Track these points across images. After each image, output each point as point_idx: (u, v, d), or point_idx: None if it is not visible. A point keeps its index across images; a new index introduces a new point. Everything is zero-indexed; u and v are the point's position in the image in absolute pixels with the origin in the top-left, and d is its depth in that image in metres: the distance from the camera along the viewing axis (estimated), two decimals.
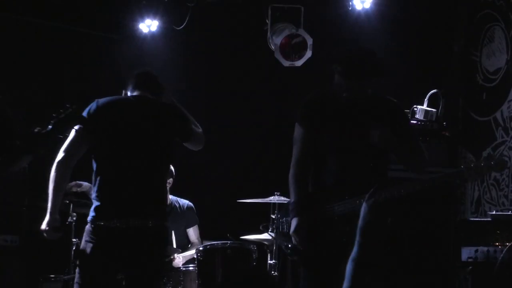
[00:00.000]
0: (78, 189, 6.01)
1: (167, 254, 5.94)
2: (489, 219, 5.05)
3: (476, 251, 5.59)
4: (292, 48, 7.22)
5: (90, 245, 4.47)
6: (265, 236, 6.48)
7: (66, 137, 3.89)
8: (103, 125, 4.52)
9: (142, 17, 8.13)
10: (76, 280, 4.53)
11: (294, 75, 7.60)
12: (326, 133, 4.38)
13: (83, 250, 4.50)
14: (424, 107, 6.06)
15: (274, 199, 6.50)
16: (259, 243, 6.48)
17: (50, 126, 3.80)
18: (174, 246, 6.65)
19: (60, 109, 4.20)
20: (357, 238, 3.84)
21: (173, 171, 6.77)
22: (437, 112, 6.07)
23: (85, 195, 5.86)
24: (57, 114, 3.94)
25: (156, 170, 4.60)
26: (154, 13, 8.04)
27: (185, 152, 4.93)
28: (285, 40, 7.19)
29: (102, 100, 4.59)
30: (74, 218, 6.51)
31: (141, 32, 8.23)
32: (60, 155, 4.51)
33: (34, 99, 7.54)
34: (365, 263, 3.95)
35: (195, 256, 6.26)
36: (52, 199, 4.51)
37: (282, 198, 6.43)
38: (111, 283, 4.55)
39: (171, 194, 6.99)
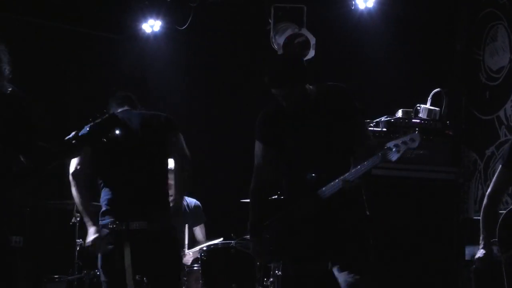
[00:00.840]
0: None
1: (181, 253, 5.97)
2: None
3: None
4: (295, 48, 7.21)
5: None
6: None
7: (103, 141, 3.99)
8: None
9: (144, 17, 8.13)
10: (101, 279, 4.81)
11: None
12: (285, 143, 4.39)
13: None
14: (428, 106, 6.06)
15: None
16: None
17: (87, 129, 3.85)
18: (186, 243, 6.65)
19: (96, 114, 4.32)
20: None
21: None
22: (440, 111, 6.07)
23: None
24: (93, 119, 4.01)
25: (153, 172, 4.81)
26: (156, 13, 8.05)
27: (189, 151, 4.97)
28: (288, 39, 7.18)
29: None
30: (78, 219, 6.52)
31: (144, 32, 8.24)
32: (73, 167, 4.73)
33: (36, 99, 7.53)
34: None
35: (199, 256, 6.26)
36: (85, 212, 4.75)
37: None
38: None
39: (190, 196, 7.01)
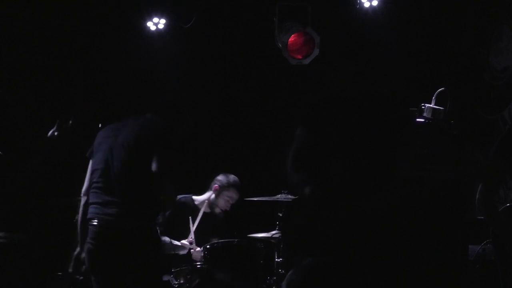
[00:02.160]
0: None
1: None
2: None
3: (484, 249, 5.60)
4: (299, 46, 7.21)
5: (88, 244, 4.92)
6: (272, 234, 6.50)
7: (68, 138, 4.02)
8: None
9: (149, 15, 8.13)
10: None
11: (302, 73, 7.60)
12: (331, 134, 4.35)
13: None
14: (432, 105, 6.05)
15: (281, 197, 6.50)
16: (266, 241, 6.48)
17: (57, 132, 3.88)
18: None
19: (66, 116, 4.35)
20: None
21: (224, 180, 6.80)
22: (444, 110, 6.06)
23: None
24: (63, 119, 4.04)
25: (136, 176, 4.84)
26: (161, 11, 8.05)
27: (192, 151, 5.00)
28: (292, 38, 7.19)
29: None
30: None
31: (149, 30, 8.24)
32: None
33: (40, 99, 7.56)
34: None
35: (203, 254, 6.26)
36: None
37: (290, 196, 6.43)
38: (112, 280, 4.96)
39: (196, 194, 7.01)
